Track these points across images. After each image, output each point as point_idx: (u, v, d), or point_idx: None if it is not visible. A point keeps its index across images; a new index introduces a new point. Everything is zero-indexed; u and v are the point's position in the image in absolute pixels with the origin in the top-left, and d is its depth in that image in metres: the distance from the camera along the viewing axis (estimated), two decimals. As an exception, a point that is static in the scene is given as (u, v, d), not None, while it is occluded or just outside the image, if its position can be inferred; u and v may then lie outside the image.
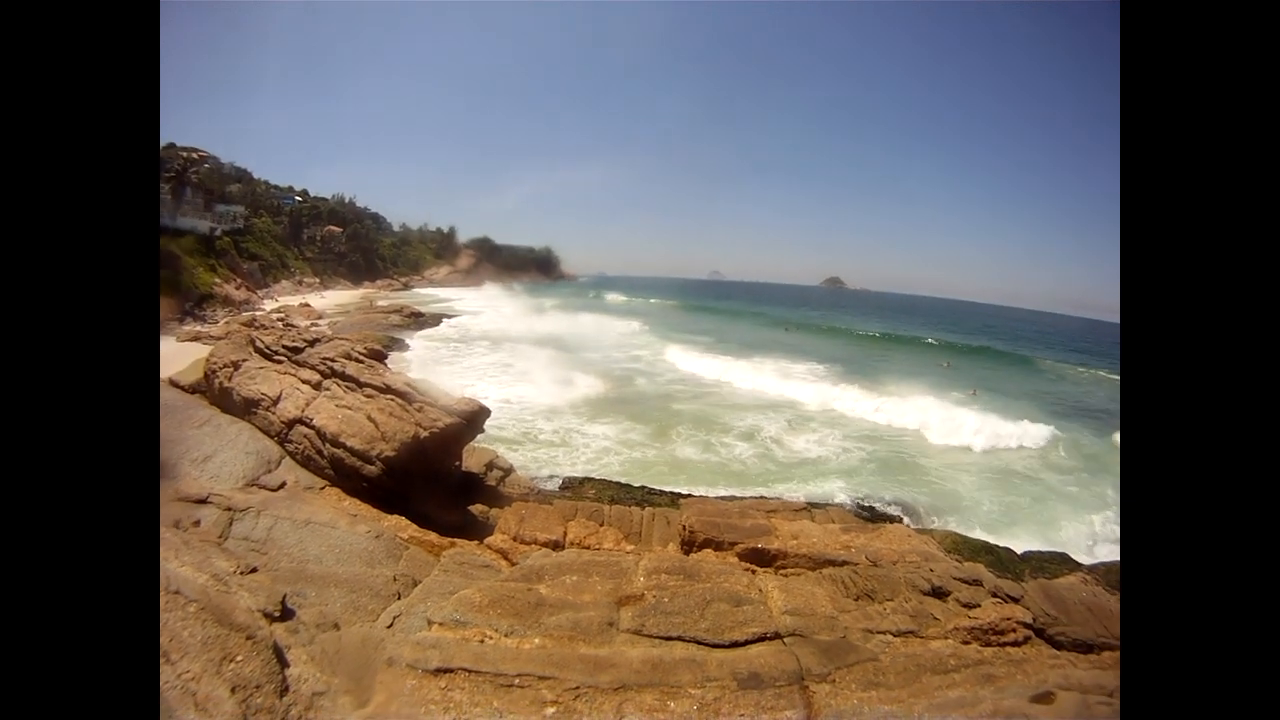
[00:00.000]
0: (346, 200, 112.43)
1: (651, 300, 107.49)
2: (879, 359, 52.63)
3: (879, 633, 7.46)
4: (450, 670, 5.60)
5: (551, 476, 18.81)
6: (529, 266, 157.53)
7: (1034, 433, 27.77)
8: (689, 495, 17.03)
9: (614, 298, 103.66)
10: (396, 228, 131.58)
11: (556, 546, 11.36)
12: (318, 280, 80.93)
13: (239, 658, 5.05)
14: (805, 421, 27.31)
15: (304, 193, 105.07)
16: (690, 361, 41.72)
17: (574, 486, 17.99)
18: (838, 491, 19.79)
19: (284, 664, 5.42)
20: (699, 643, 6.48)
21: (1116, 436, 28.52)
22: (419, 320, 54.02)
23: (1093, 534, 18.96)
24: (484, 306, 73.39)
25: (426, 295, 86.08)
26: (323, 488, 12.25)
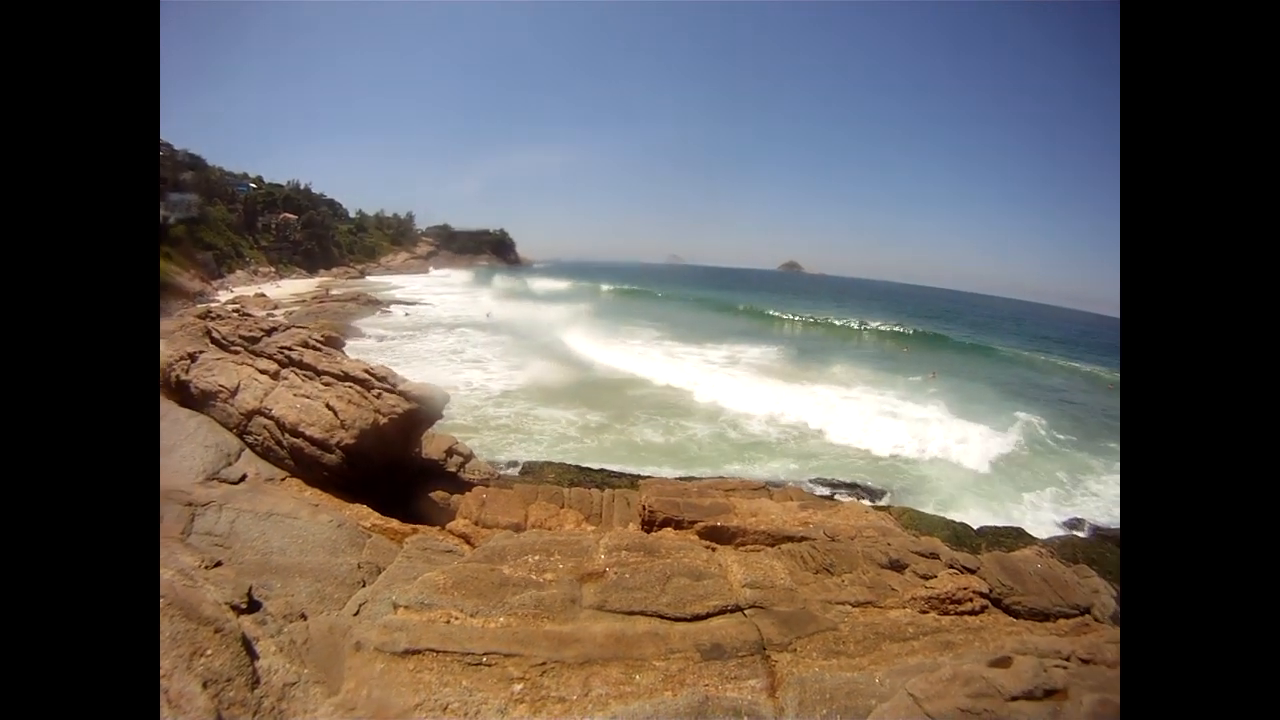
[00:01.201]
0: (302, 187, 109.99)
1: (584, 283, 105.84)
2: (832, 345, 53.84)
3: (838, 603, 7.69)
4: (418, 651, 5.67)
5: (511, 462, 18.88)
6: (484, 250, 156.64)
7: (991, 419, 28.54)
8: (648, 476, 17.22)
9: (556, 285, 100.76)
10: (353, 214, 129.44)
11: (518, 529, 11.45)
12: (273, 269, 79.43)
13: (209, 652, 5.02)
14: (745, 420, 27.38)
15: (258, 179, 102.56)
16: (599, 351, 40.89)
17: (534, 470, 18.12)
18: (782, 475, 20.52)
19: (253, 656, 5.40)
20: (661, 616, 6.62)
21: (1021, 413, 30.27)
22: (374, 308, 54.16)
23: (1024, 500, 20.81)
24: (426, 294, 73.79)
25: (378, 283, 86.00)
26: (284, 479, 12.14)
